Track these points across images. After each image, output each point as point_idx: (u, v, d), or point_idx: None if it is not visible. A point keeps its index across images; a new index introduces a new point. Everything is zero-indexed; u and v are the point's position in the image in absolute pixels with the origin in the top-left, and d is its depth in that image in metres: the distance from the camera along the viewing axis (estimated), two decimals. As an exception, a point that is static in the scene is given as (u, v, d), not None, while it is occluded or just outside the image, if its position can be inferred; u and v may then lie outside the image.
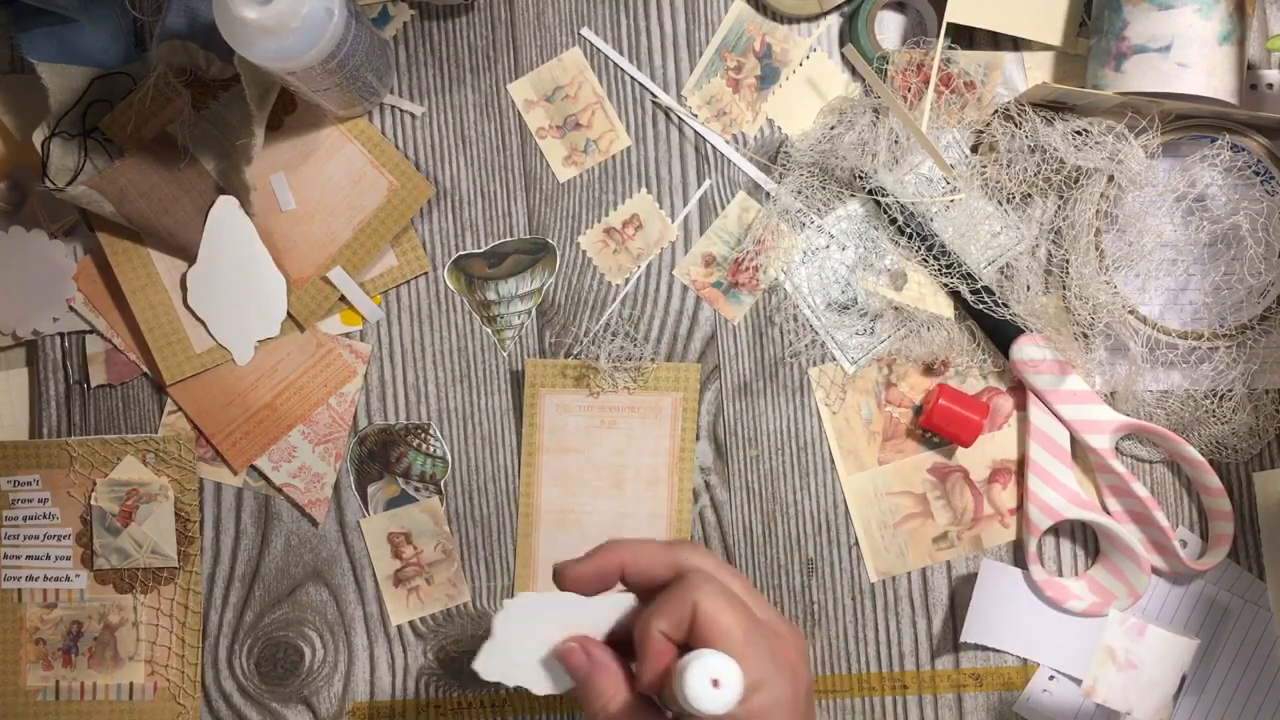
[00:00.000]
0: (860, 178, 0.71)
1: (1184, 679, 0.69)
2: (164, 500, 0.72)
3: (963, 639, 0.71)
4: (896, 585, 0.73)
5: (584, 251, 0.74)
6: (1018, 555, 0.73)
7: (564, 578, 0.55)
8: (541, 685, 0.55)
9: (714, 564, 0.54)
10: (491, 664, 0.55)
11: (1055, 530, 0.73)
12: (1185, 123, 0.70)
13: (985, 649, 0.72)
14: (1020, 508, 0.73)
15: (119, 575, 0.73)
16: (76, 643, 0.73)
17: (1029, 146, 0.70)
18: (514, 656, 0.55)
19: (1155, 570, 0.71)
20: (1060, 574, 0.73)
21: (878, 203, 0.71)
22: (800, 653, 0.55)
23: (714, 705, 0.47)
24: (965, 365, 0.72)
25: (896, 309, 0.72)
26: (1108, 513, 0.72)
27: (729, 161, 0.74)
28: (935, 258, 0.71)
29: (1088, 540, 0.73)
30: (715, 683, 0.48)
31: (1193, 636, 0.69)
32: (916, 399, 0.73)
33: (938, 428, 0.70)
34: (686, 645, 0.51)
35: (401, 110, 0.74)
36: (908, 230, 0.71)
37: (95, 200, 0.69)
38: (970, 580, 0.72)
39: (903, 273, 0.71)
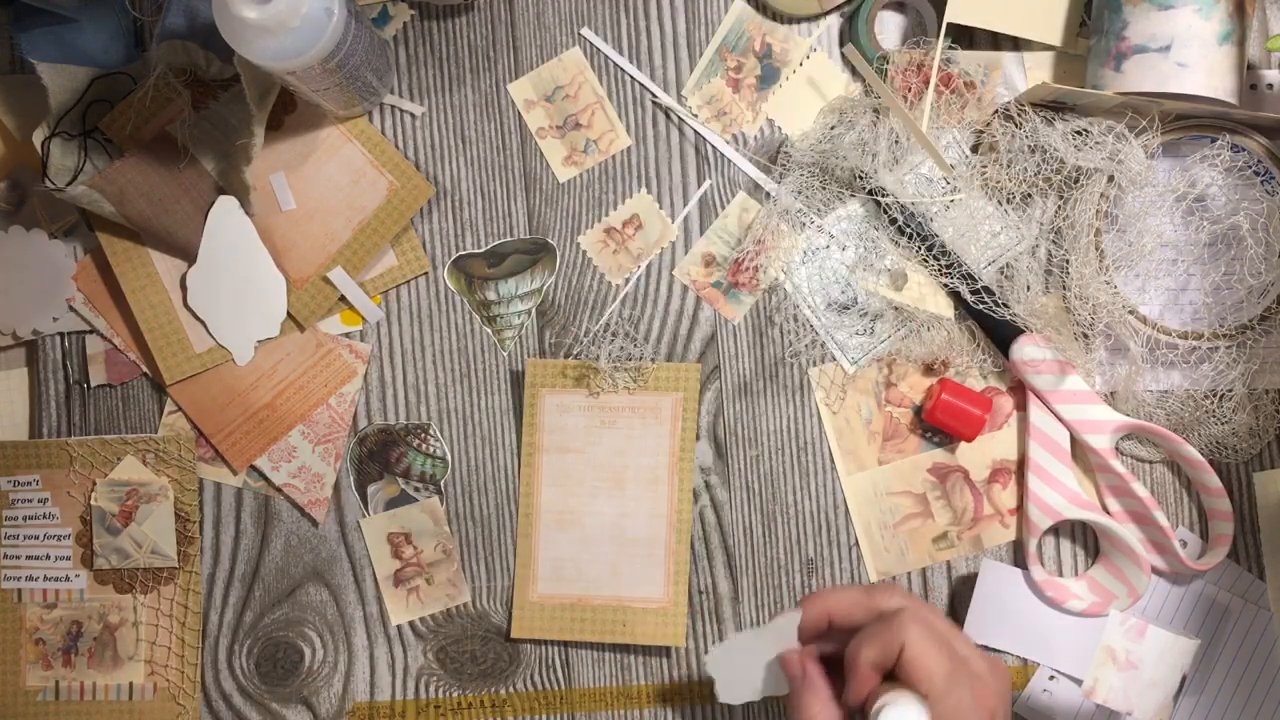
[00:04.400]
0: (860, 178, 0.71)
1: (1184, 679, 0.69)
2: (164, 500, 0.72)
3: None
4: (896, 585, 0.73)
5: (584, 251, 0.74)
6: (1018, 555, 0.73)
7: None
8: (774, 690, 0.64)
9: (915, 604, 0.60)
10: (731, 695, 0.64)
11: (1055, 530, 0.73)
12: (1185, 123, 0.70)
13: (986, 649, 0.72)
14: (1020, 508, 0.73)
15: (119, 575, 0.73)
16: (76, 643, 0.73)
17: (1029, 146, 0.70)
18: (739, 686, 0.64)
19: (1155, 570, 0.71)
20: (1060, 574, 0.73)
21: (878, 203, 0.71)
22: (999, 694, 0.59)
23: None
24: (965, 365, 0.72)
25: (896, 309, 0.72)
26: (1108, 513, 0.72)
27: (729, 161, 0.74)
28: (935, 258, 0.70)
29: (1088, 540, 0.73)
30: None
31: (1193, 637, 0.69)
32: (916, 399, 0.73)
33: (940, 422, 0.70)
34: (892, 673, 0.58)
35: (401, 110, 0.74)
36: (908, 230, 0.71)
37: (95, 200, 0.69)
38: (970, 580, 0.72)
39: (903, 273, 0.71)
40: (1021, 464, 0.73)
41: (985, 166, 0.71)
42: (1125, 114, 0.68)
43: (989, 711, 0.57)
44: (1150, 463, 0.73)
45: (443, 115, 0.74)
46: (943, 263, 0.70)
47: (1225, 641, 0.72)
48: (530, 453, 0.73)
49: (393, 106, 0.74)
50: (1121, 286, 0.70)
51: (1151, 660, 0.68)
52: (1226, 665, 0.72)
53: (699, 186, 0.74)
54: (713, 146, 0.74)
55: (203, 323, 0.72)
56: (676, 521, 0.72)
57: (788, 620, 0.62)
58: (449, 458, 0.74)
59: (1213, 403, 0.70)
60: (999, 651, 0.72)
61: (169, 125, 0.71)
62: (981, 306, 0.69)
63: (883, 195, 0.70)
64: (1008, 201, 0.71)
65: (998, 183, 0.71)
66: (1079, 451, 0.72)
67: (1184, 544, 0.72)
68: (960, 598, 0.73)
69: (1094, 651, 0.69)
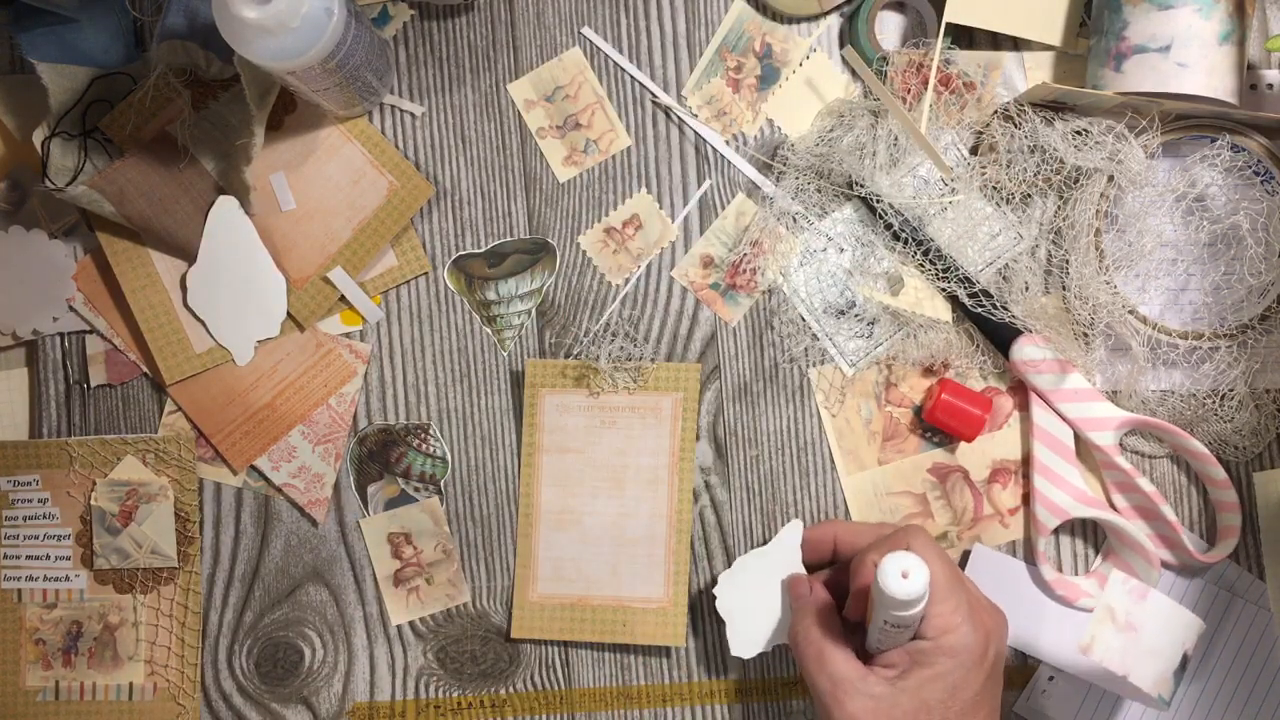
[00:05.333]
0: (858, 184, 0.71)
1: (1186, 658, 0.68)
2: (164, 500, 0.72)
3: None
4: (896, 585, 0.73)
5: (584, 251, 0.74)
6: (1018, 555, 0.73)
7: None
8: (783, 637, 0.68)
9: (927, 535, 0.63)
10: (742, 645, 0.68)
11: (1059, 528, 0.73)
12: (1185, 123, 0.70)
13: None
14: (1021, 508, 0.73)
15: (119, 575, 0.73)
16: (76, 643, 0.73)
17: (1029, 147, 0.70)
18: (750, 627, 0.68)
19: (1164, 564, 0.71)
20: (1061, 570, 0.73)
21: (871, 210, 0.71)
22: (998, 622, 0.61)
23: (901, 591, 0.55)
24: (965, 367, 0.72)
25: (894, 313, 0.72)
26: (1115, 509, 0.72)
27: (729, 162, 0.74)
28: (931, 262, 0.70)
29: (1088, 536, 0.73)
30: (905, 574, 0.55)
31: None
32: (917, 399, 0.73)
33: (940, 422, 0.70)
34: None
35: (401, 110, 0.74)
36: (903, 235, 0.71)
37: (95, 200, 0.69)
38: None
39: (899, 277, 0.71)
40: (1024, 464, 0.73)
41: (985, 167, 0.71)
42: (1125, 114, 0.68)
43: (985, 630, 0.59)
44: (1153, 458, 0.73)
45: (443, 115, 0.74)
46: (939, 267, 0.70)
47: (1225, 642, 0.72)
48: (530, 453, 0.73)
49: (393, 106, 0.74)
50: (1121, 286, 0.70)
51: (1152, 627, 0.67)
52: (1226, 665, 0.72)
53: (699, 187, 0.74)
54: (712, 147, 0.74)
55: (203, 323, 0.72)
56: (676, 521, 0.72)
57: (792, 530, 0.67)
58: (449, 458, 0.74)
59: (1215, 402, 0.70)
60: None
61: (169, 125, 0.71)
62: (980, 310, 0.69)
63: (877, 201, 0.70)
64: (1007, 202, 0.71)
65: (997, 183, 0.71)
66: (1083, 449, 0.72)
67: (1184, 544, 0.72)
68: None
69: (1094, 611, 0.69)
